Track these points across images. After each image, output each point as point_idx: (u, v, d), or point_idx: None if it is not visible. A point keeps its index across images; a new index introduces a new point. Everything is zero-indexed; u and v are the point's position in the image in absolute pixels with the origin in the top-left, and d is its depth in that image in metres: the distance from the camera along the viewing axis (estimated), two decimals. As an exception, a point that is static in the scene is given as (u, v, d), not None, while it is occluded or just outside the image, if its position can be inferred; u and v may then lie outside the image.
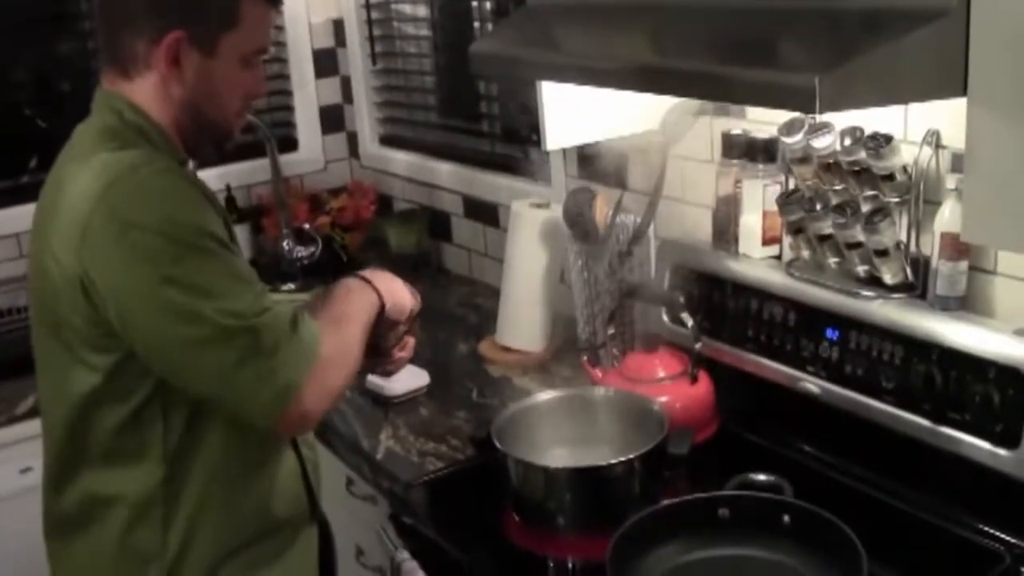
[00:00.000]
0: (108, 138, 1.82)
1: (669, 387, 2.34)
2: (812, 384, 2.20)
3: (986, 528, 1.94)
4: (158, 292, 1.69)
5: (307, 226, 3.81)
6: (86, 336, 1.77)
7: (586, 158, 2.95)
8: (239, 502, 1.91)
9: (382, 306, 1.99)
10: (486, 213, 3.51)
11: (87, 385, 1.79)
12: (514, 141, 3.36)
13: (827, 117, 2.09)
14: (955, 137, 1.92)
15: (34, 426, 2.34)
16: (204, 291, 1.71)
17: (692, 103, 2.45)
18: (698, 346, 2.34)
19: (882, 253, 2.06)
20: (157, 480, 1.83)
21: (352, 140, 4.27)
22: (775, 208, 2.28)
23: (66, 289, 1.74)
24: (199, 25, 1.80)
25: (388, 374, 2.25)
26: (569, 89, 2.35)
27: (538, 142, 2.56)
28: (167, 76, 1.81)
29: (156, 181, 1.74)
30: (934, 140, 2.01)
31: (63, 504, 1.91)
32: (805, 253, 2.26)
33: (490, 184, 3.46)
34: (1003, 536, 1.92)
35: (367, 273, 2.04)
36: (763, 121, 2.34)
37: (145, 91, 1.83)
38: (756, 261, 2.37)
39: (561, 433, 2.28)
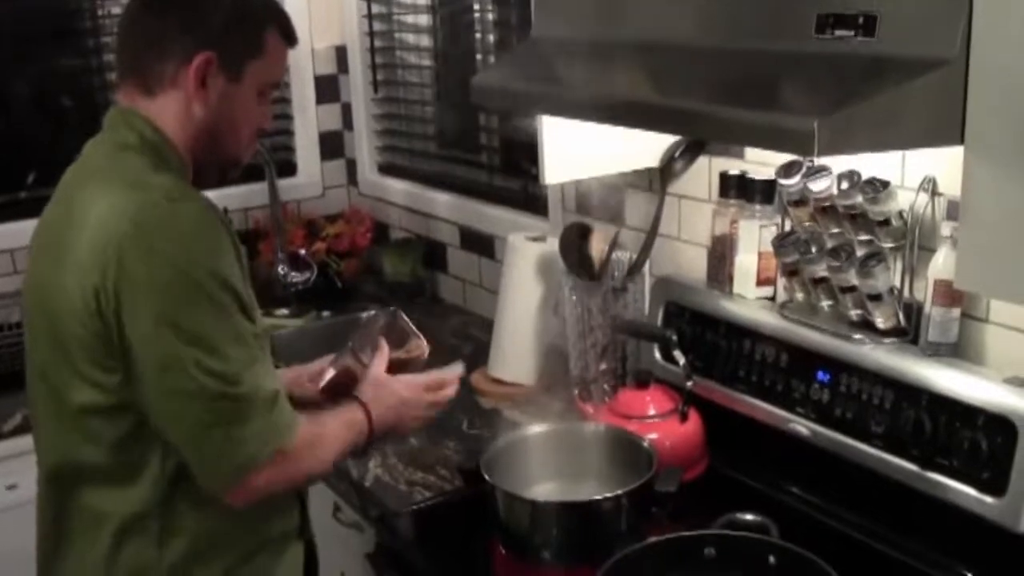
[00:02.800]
0: (129, 156, 1.84)
1: (659, 424, 2.34)
2: (802, 426, 2.20)
3: (971, 575, 1.94)
4: (160, 331, 1.71)
5: (303, 252, 3.80)
6: (93, 352, 1.76)
7: (584, 193, 2.96)
8: (238, 516, 1.89)
9: (370, 432, 2.03)
10: (482, 244, 3.52)
11: (87, 399, 1.79)
12: (513, 174, 3.38)
13: (825, 161, 2.11)
14: (951, 185, 1.94)
15: (21, 443, 2.36)
16: (203, 344, 1.72)
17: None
18: (689, 384, 2.35)
19: (875, 298, 2.07)
20: (156, 497, 1.83)
21: (351, 167, 4.28)
22: (770, 249, 2.29)
23: (81, 303, 1.73)
24: (229, 49, 1.85)
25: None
26: (569, 124, 2.36)
27: (536, 176, 2.57)
28: (192, 96, 1.85)
29: (192, 215, 1.76)
30: (930, 187, 2.02)
31: (58, 518, 1.90)
32: (799, 295, 2.27)
33: (487, 216, 3.47)
34: (988, 584, 1.92)
35: (375, 394, 2.08)
36: (761, 162, 2.35)
37: (166, 110, 1.85)
38: (750, 301, 2.38)
39: (550, 467, 2.27)
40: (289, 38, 1.96)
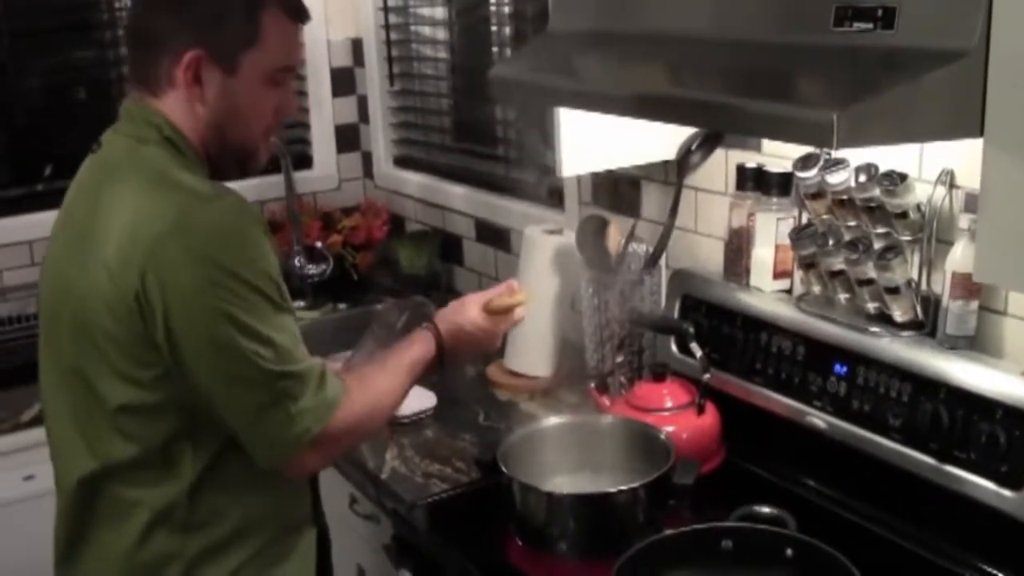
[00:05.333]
0: (151, 152, 1.83)
1: (676, 417, 2.33)
2: (819, 419, 2.20)
3: (988, 568, 1.94)
4: (218, 327, 1.73)
5: (319, 244, 3.82)
6: (129, 350, 1.77)
7: (600, 185, 2.96)
8: (258, 506, 1.91)
9: (440, 351, 2.10)
10: (498, 237, 3.52)
11: (125, 397, 1.80)
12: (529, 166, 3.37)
13: (842, 153, 2.10)
14: (969, 177, 1.93)
15: (38, 434, 2.35)
16: (258, 336, 1.76)
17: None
18: (706, 377, 2.34)
19: (893, 290, 2.07)
20: (186, 489, 1.84)
21: (367, 160, 4.28)
22: (787, 242, 2.28)
23: (117, 303, 1.74)
24: (217, 42, 1.82)
25: None
26: (586, 116, 2.36)
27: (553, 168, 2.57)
28: (189, 94, 1.83)
29: (235, 218, 1.77)
30: (948, 180, 2.01)
31: (86, 509, 1.90)
32: (816, 288, 2.26)
33: (503, 208, 3.47)
34: (1005, 578, 1.92)
35: (448, 318, 2.18)
36: (778, 155, 2.34)
37: (174, 108, 1.85)
38: (767, 294, 2.38)
39: (567, 459, 2.27)
40: (295, 14, 1.90)
